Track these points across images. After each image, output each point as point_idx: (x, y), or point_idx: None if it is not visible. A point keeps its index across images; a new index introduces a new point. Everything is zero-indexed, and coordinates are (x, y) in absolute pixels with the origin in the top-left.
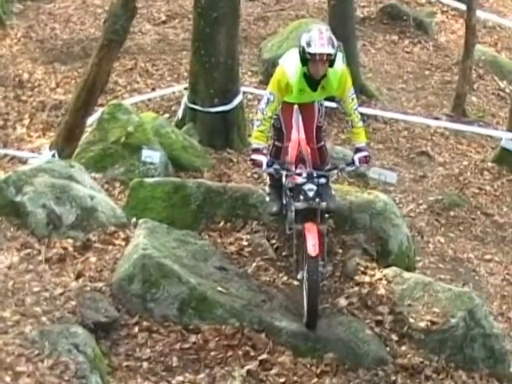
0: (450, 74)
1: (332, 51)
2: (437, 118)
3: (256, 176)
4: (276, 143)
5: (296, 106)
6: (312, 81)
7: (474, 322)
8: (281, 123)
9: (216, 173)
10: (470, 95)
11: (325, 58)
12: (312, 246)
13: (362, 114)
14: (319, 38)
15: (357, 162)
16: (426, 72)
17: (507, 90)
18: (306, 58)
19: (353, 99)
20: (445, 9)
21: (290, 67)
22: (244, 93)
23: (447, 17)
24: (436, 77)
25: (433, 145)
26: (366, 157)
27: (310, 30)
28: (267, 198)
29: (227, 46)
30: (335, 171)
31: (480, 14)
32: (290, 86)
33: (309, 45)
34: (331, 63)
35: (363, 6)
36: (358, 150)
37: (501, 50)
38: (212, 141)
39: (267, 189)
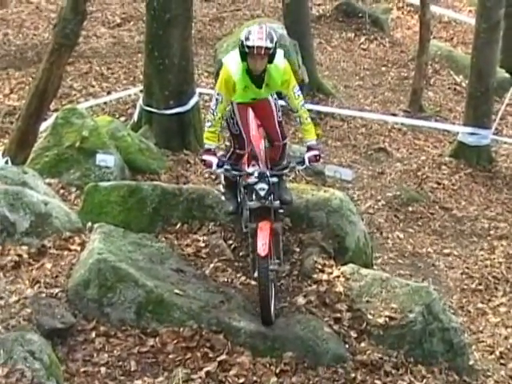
0: (406, 70)
1: (270, 45)
2: (394, 114)
3: (213, 177)
4: (237, 151)
5: (249, 108)
6: (255, 77)
7: (431, 316)
8: (240, 129)
9: (173, 175)
10: (426, 90)
11: (262, 51)
12: (262, 246)
13: (319, 112)
14: (258, 32)
15: (307, 161)
16: (383, 68)
17: (463, 85)
18: (244, 52)
19: (298, 95)
20: (400, 5)
21: (232, 65)
22: (200, 94)
23: (403, 13)
24: (392, 73)
25: (390, 141)
26: (315, 155)
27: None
28: (223, 198)
29: (181, 47)
30: (286, 171)
31: (435, 9)
32: (234, 84)
33: (247, 38)
34: (270, 59)
35: (318, 4)
36: (309, 149)
37: (456, 45)
38: (168, 143)
39: (222, 188)
